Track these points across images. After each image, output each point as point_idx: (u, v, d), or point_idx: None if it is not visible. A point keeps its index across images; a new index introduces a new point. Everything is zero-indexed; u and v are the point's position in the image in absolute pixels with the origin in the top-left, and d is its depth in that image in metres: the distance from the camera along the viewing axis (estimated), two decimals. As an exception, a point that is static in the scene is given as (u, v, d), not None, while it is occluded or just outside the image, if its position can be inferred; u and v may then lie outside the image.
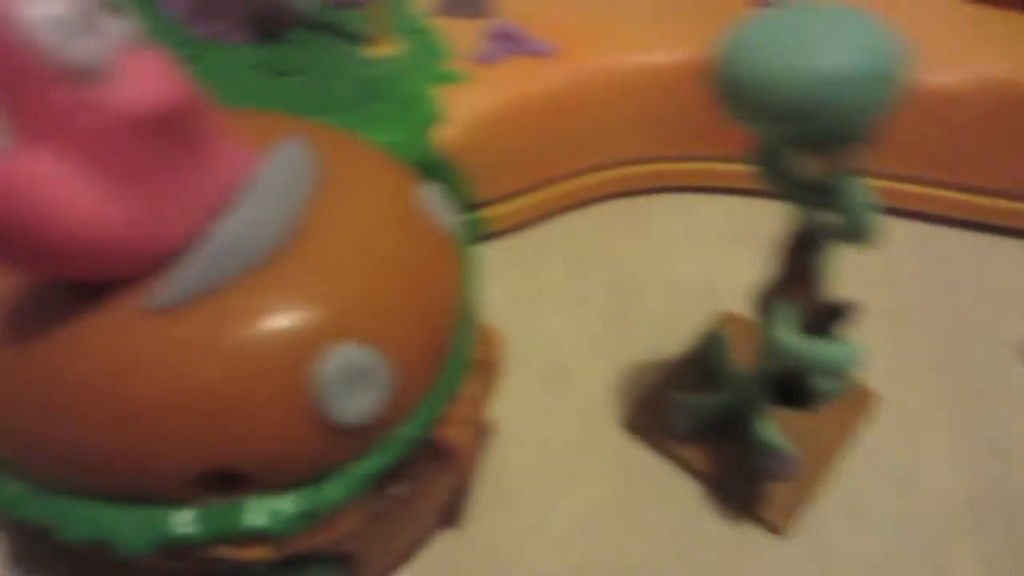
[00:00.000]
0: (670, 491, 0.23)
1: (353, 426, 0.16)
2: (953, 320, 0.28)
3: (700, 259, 0.30)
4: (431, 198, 0.19)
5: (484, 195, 0.29)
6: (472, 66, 0.28)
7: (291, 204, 0.17)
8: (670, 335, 0.27)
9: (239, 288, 0.16)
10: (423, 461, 0.19)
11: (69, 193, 0.14)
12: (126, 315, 0.15)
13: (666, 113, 0.29)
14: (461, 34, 0.29)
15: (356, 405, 0.16)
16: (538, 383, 0.26)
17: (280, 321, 0.16)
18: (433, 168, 0.27)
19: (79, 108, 0.14)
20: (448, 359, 0.19)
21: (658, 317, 0.28)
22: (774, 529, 0.22)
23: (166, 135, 0.15)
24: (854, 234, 0.16)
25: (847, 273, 0.21)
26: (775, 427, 0.22)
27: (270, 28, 0.28)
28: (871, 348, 0.21)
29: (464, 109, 0.27)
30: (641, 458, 0.24)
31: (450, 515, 0.23)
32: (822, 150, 0.16)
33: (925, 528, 0.22)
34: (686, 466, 0.23)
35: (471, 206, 0.29)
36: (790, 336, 0.19)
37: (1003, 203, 0.30)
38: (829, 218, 0.17)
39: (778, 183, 0.18)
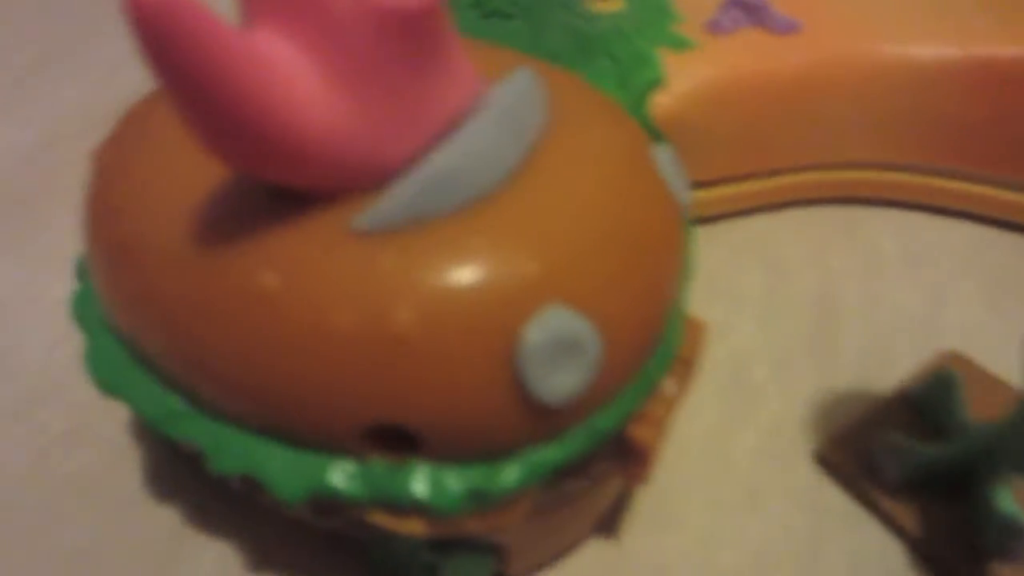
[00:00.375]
0: (867, 544, 0.20)
1: (550, 405, 0.14)
2: None
3: (920, 287, 0.26)
4: (665, 161, 0.17)
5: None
6: (702, 33, 0.25)
7: (518, 141, 0.15)
8: (878, 366, 0.24)
9: (453, 224, 0.14)
10: (606, 458, 0.16)
11: (301, 84, 0.12)
12: (325, 232, 0.14)
13: (914, 117, 0.26)
14: (694, -4, 0.27)
15: (560, 381, 0.14)
16: (720, 394, 0.23)
17: (491, 270, 0.13)
18: (642, 137, 0.24)
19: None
20: (656, 347, 0.16)
21: (865, 344, 0.24)
22: (1001, 619, 0.18)
23: (409, 40, 0.13)
24: None
25: None
26: (1015, 496, 0.18)
27: (490, -35, 0.26)
28: None
29: (684, 79, 0.24)
30: (833, 499, 0.21)
31: (608, 522, 0.20)
32: None
33: None
34: (890, 519, 0.20)
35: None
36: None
37: None
38: None
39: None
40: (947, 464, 0.20)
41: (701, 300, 0.26)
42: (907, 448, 0.20)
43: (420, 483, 0.14)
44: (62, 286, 0.25)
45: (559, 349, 0.14)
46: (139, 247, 0.15)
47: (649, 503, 0.21)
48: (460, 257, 0.14)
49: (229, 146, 0.12)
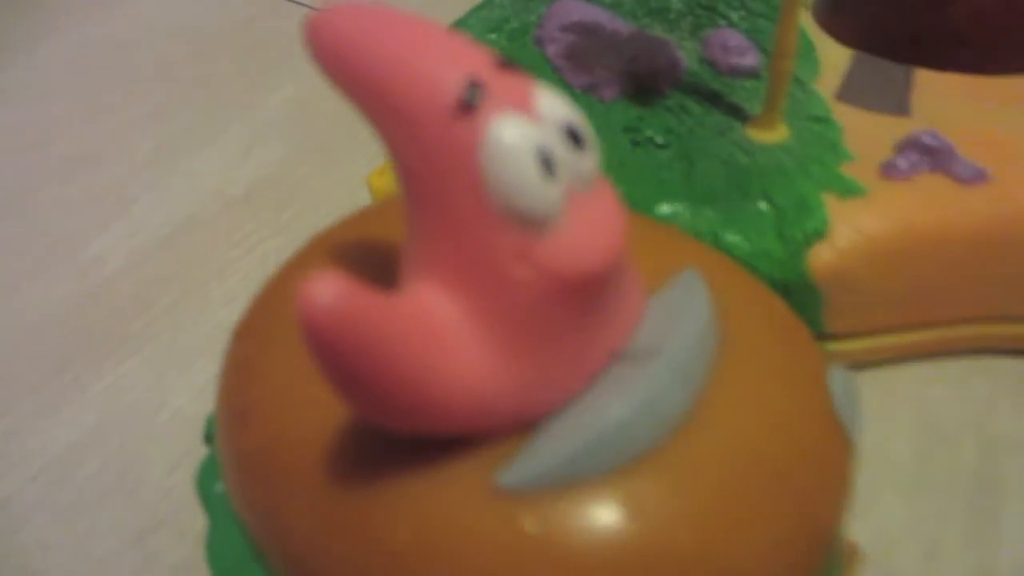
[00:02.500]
0: None
1: None
2: None
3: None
4: (840, 389, 0.15)
5: (834, 328, 0.24)
6: (874, 176, 0.23)
7: (685, 388, 0.13)
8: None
9: (605, 487, 0.12)
10: None
11: (461, 347, 0.11)
12: (465, 485, 0.13)
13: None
14: (865, 131, 0.24)
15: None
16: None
17: (642, 543, 0.12)
18: (794, 291, 0.22)
19: (504, 257, 0.11)
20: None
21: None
22: None
23: (586, 296, 0.12)
24: None
25: None
26: None
27: (648, 86, 0.25)
28: None
29: (850, 231, 0.22)
30: None
31: None
32: None
33: None
34: None
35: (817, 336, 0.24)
36: None
37: None
38: None
39: None
40: None
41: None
42: None
43: None
44: (186, 391, 0.25)
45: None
46: (266, 462, 0.14)
47: None
48: (608, 528, 0.12)
49: (374, 409, 0.11)
